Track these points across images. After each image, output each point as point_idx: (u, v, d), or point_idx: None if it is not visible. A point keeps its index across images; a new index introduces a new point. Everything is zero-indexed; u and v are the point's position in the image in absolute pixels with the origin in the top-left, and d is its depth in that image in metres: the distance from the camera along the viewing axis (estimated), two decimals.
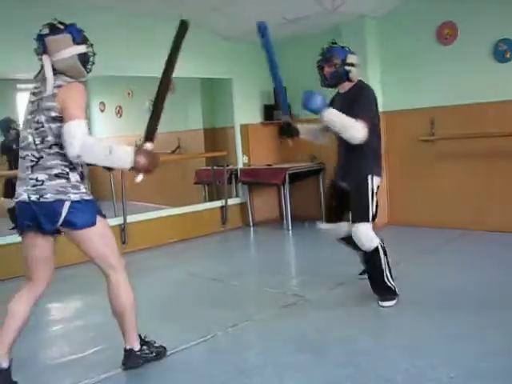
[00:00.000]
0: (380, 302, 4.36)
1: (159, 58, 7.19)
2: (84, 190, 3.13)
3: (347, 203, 4.48)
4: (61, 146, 2.98)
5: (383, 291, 4.40)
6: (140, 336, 3.50)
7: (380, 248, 4.34)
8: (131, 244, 7.11)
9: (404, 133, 7.39)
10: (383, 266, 4.34)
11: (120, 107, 11.57)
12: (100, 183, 11.54)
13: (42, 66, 3.10)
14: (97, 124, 12.51)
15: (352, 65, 4.46)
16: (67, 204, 3.02)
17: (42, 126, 3.03)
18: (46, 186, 3.01)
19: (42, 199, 3.00)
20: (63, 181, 3.04)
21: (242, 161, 8.51)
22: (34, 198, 3.01)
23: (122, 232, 7.12)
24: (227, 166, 8.39)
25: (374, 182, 4.37)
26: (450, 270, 5.31)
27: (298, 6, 6.86)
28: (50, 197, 3.00)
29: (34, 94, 3.16)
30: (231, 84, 8.37)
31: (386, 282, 4.36)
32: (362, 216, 4.34)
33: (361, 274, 4.92)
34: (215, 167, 8.63)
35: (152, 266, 6.39)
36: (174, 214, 7.72)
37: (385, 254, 4.36)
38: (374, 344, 3.63)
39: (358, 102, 4.27)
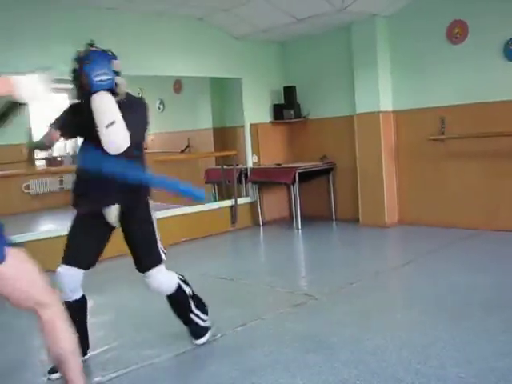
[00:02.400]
0: (194, 341, 3.83)
1: (168, 57, 7.26)
2: None
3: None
4: None
5: (194, 330, 3.85)
6: None
7: (181, 282, 3.73)
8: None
9: (414, 132, 7.38)
10: (187, 301, 3.77)
11: None
12: None
13: None
14: None
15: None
16: None
17: None
18: None
19: None
20: None
21: (251, 160, 8.50)
22: None
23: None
24: (237, 165, 8.39)
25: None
26: (460, 269, 5.29)
27: (308, 5, 6.86)
28: None
29: None
30: (241, 83, 8.35)
31: (194, 321, 3.81)
32: (158, 255, 3.59)
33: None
34: (225, 166, 8.63)
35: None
36: (183, 213, 7.71)
37: (187, 284, 3.78)
38: (384, 344, 3.62)
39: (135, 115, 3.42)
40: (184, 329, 3.88)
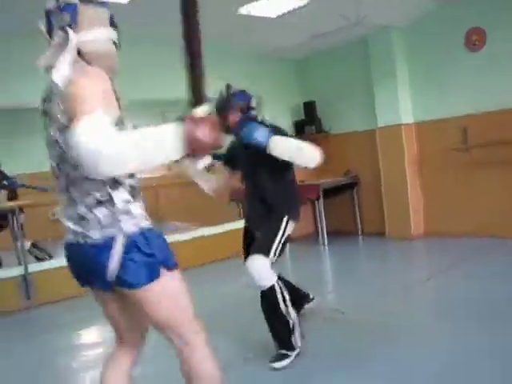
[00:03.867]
0: (270, 364, 3.72)
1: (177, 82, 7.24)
2: (138, 211, 2.13)
3: None
4: None
5: (281, 345, 3.80)
6: None
7: (277, 288, 3.73)
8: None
9: (436, 143, 7.33)
10: (283, 310, 3.73)
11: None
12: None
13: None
14: None
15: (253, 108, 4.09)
16: (118, 247, 2.02)
17: (56, 141, 2.05)
18: (88, 219, 2.06)
19: (85, 240, 2.07)
20: (104, 209, 2.05)
21: None
22: (78, 238, 2.10)
23: None
24: None
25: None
26: (489, 280, 5.22)
27: (323, 22, 6.88)
28: (94, 235, 2.04)
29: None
30: (261, 102, 8.36)
31: (288, 331, 3.77)
32: (268, 249, 3.74)
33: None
34: None
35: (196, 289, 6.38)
36: (209, 234, 7.75)
37: (282, 294, 3.74)
38: (416, 358, 3.59)
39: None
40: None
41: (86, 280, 2.21)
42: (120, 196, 2.06)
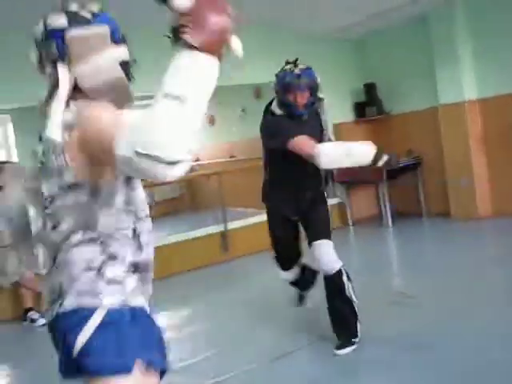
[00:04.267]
0: (336, 351, 3.71)
1: (249, 66, 7.31)
2: (129, 289, 1.72)
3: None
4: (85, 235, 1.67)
5: (347, 331, 3.77)
6: None
7: (344, 272, 3.75)
8: (233, 250, 7.25)
9: (502, 119, 7.11)
10: (349, 295, 3.73)
11: (212, 116, 11.75)
12: (199, 192, 11.83)
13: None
14: None
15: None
16: (93, 321, 1.62)
17: (52, 202, 1.69)
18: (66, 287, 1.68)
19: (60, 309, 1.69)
20: (90, 274, 1.66)
21: None
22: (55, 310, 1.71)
23: (222, 239, 7.27)
24: None
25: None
26: None
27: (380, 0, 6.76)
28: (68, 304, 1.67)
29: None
30: (322, 84, 8.32)
31: (354, 317, 3.77)
32: (328, 232, 3.86)
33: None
34: None
35: (252, 272, 6.46)
36: None
37: (349, 280, 3.78)
38: (486, 340, 3.54)
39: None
40: (274, 334, 3.94)
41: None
42: (113, 268, 1.69)
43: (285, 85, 3.72)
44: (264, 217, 7.23)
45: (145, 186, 1.82)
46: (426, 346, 3.59)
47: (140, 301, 1.74)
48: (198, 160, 12.44)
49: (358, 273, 5.79)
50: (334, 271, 3.69)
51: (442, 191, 7.79)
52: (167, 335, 4.29)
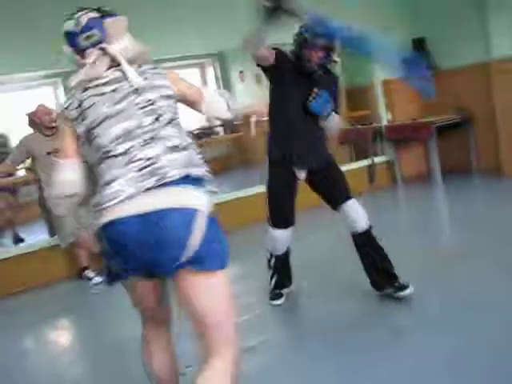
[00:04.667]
0: (397, 294, 3.90)
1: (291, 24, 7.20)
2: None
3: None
4: (176, 121, 2.31)
5: (393, 278, 3.94)
6: None
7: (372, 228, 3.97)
8: None
9: None
10: (382, 246, 3.95)
11: (259, 75, 11.70)
12: (247, 150, 11.85)
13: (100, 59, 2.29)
14: (238, 94, 12.77)
15: None
16: (200, 219, 2.11)
17: (152, 104, 2.25)
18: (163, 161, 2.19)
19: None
20: (186, 152, 2.26)
21: (385, 117, 8.37)
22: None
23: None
24: (371, 123, 8.30)
25: None
26: None
27: None
28: (175, 174, 2.15)
29: (107, 83, 2.27)
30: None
31: (390, 265, 3.96)
32: (348, 191, 4.01)
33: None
34: (359, 126, 8.54)
35: (301, 231, 6.47)
36: None
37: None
38: None
39: (336, 91, 4.11)
40: (328, 294, 3.98)
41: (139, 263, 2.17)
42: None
43: (302, 39, 3.80)
44: None
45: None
46: (475, 306, 3.59)
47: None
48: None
49: (408, 232, 5.83)
50: (367, 226, 3.91)
51: (494, 149, 7.65)
52: None
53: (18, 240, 7.58)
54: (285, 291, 4.37)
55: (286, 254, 4.25)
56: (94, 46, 2.27)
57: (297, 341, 3.68)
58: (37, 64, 6.32)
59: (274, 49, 3.77)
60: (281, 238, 4.10)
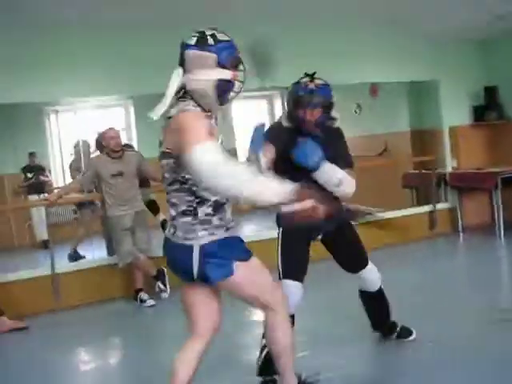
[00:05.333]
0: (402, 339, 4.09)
1: (363, 65, 7.28)
2: (217, 223, 2.58)
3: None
4: (180, 182, 2.52)
5: (395, 329, 4.11)
6: (299, 377, 3.16)
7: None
8: None
9: None
10: (386, 301, 4.06)
11: None
12: None
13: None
14: None
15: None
16: (196, 251, 2.54)
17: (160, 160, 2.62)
18: (176, 222, 2.60)
19: (174, 237, 2.62)
20: (189, 218, 2.55)
21: (450, 164, 8.28)
22: (170, 232, 2.65)
23: None
24: (436, 169, 8.21)
25: None
26: None
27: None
28: (180, 235, 2.58)
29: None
30: (438, 85, 8.17)
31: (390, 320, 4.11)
32: (365, 257, 3.89)
33: None
34: (423, 171, 8.45)
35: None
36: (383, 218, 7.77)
37: None
38: None
39: (339, 145, 3.73)
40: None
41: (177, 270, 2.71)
42: (203, 210, 2.55)
43: (296, 98, 3.50)
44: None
45: None
46: None
47: (226, 231, 2.60)
48: None
49: (464, 285, 5.69)
50: (377, 288, 3.96)
51: None
52: None
53: (78, 256, 7.76)
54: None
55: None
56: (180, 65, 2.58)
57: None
58: (113, 88, 6.62)
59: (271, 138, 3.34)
60: (296, 289, 3.55)
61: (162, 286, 6.02)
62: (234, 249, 2.62)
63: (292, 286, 3.50)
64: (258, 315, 4.01)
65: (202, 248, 2.52)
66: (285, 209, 2.39)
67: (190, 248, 2.52)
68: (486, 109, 8.22)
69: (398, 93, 9.30)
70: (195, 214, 2.52)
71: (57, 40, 5.98)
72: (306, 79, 3.53)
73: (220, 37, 2.51)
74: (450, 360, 3.70)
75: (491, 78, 8.31)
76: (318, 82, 3.50)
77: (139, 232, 6.00)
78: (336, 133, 3.72)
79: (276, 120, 3.83)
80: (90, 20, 5.95)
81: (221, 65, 2.49)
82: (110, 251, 6.46)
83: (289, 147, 3.40)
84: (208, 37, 2.49)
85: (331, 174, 3.45)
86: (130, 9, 5.71)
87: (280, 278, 3.55)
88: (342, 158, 3.60)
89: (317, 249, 3.77)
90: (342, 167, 3.51)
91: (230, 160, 2.29)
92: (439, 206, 8.18)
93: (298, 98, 3.48)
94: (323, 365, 3.66)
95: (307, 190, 2.32)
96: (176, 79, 2.49)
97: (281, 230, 3.64)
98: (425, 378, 3.52)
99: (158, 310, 5.70)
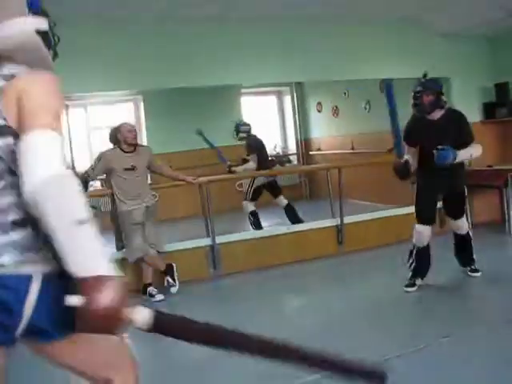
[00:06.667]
0: (470, 273, 5.70)
1: (374, 61, 7.29)
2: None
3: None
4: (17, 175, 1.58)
5: (469, 260, 5.74)
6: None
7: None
8: (347, 245, 7.29)
9: None
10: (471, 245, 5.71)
11: (336, 107, 11.77)
12: (317, 181, 11.89)
13: None
14: (314, 125, 12.89)
15: (443, 94, 5.28)
16: (35, 285, 1.60)
17: None
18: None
19: None
20: (25, 233, 1.63)
21: None
22: None
23: (338, 232, 7.31)
24: None
25: None
26: None
27: None
28: (7, 262, 1.58)
29: None
30: (450, 82, 8.14)
31: (473, 257, 5.74)
32: (464, 213, 5.61)
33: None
34: None
35: (367, 270, 6.45)
36: (391, 215, 7.76)
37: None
38: None
39: (464, 128, 5.25)
40: (382, 336, 3.96)
41: None
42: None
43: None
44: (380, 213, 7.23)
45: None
46: None
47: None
48: (319, 149, 12.53)
49: (474, 282, 5.66)
50: (465, 232, 5.68)
51: None
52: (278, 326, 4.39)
53: None
54: (418, 282, 5.42)
55: (427, 248, 5.41)
56: None
57: None
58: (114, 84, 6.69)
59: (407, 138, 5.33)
60: (423, 231, 5.36)
61: (171, 281, 6.05)
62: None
63: (423, 229, 5.38)
64: None
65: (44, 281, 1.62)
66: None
67: (27, 279, 1.60)
68: (497, 106, 8.19)
69: (408, 89, 9.25)
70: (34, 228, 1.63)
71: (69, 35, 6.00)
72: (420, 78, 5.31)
73: None
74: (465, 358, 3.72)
75: (502, 74, 8.27)
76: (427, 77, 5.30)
77: (149, 226, 6.02)
78: (460, 118, 5.30)
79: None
80: (102, 15, 5.97)
81: (33, 11, 1.77)
82: (119, 246, 6.47)
83: (423, 137, 5.24)
84: None
85: (464, 157, 5.20)
86: (139, 3, 5.74)
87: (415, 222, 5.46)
88: (468, 136, 5.25)
89: None
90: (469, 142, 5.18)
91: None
92: None
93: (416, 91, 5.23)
94: None
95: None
96: None
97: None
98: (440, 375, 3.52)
99: (166, 305, 5.71)
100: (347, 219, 7.42)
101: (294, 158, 12.95)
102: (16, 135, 1.60)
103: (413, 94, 5.27)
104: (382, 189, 9.35)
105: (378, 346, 3.99)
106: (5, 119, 1.62)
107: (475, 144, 5.25)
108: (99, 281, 1.48)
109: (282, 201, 8.26)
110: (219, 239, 6.71)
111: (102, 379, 1.87)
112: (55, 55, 1.88)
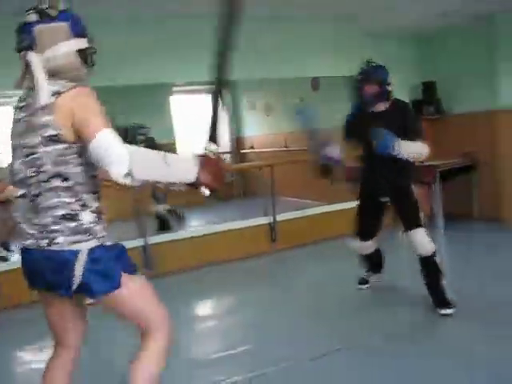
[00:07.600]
0: (439, 310, 4.42)
1: (305, 60, 7.29)
2: (103, 234, 2.30)
3: (380, 218, 4.88)
4: (64, 178, 2.21)
5: (441, 298, 4.45)
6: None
7: (436, 254, 4.48)
8: (280, 242, 7.30)
9: None
10: (439, 273, 4.47)
11: (268, 104, 11.77)
12: (250, 179, 11.87)
13: (27, 68, 2.25)
14: (247, 123, 12.88)
15: (389, 83, 4.51)
16: (81, 258, 2.21)
17: (34, 152, 2.21)
18: (53, 229, 2.21)
19: (52, 246, 2.22)
20: (73, 224, 2.22)
21: None
22: (43, 243, 2.24)
23: (271, 230, 7.31)
24: None
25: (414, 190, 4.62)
26: None
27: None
28: (62, 241, 2.21)
29: (20, 108, 2.31)
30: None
31: (442, 289, 4.45)
32: (419, 222, 4.49)
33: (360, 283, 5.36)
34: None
35: (299, 267, 6.47)
36: (322, 211, 7.80)
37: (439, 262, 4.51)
38: None
39: (408, 115, 4.49)
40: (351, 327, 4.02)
41: (43, 283, 2.33)
42: (87, 216, 2.25)
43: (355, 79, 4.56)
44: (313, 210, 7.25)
45: None
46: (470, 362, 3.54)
47: (107, 240, 2.31)
48: (252, 147, 12.51)
49: (407, 277, 5.75)
50: (429, 253, 4.42)
51: (496, 196, 7.65)
52: (211, 323, 4.31)
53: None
54: (372, 279, 5.34)
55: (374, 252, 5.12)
56: (21, 50, 2.26)
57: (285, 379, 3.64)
58: None
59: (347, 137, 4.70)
60: (361, 247, 5.00)
61: None
62: (119, 259, 2.33)
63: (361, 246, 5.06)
64: None
65: (89, 253, 2.23)
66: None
67: (74, 254, 2.20)
68: (425, 103, 8.35)
69: (337, 86, 9.34)
70: (78, 220, 2.23)
71: None
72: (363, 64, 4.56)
73: (51, 12, 2.24)
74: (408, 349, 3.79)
75: (429, 73, 8.46)
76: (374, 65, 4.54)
77: None
78: (404, 108, 4.56)
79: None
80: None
81: (74, 34, 2.28)
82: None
83: (365, 132, 4.30)
84: (47, 10, 2.23)
85: (407, 148, 4.19)
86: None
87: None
88: (412, 123, 4.42)
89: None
90: (412, 138, 4.25)
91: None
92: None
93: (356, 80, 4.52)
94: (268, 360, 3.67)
95: (210, 157, 2.39)
96: (38, 64, 2.19)
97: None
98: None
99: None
100: (280, 217, 7.41)
101: (226, 157, 12.89)
102: (67, 142, 2.16)
103: (354, 83, 4.58)
104: (314, 186, 9.38)
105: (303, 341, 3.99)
106: (59, 129, 2.14)
107: (423, 143, 4.37)
108: (203, 159, 2.35)
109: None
110: (152, 239, 6.59)
111: (146, 328, 2.41)
112: (93, 64, 2.40)
